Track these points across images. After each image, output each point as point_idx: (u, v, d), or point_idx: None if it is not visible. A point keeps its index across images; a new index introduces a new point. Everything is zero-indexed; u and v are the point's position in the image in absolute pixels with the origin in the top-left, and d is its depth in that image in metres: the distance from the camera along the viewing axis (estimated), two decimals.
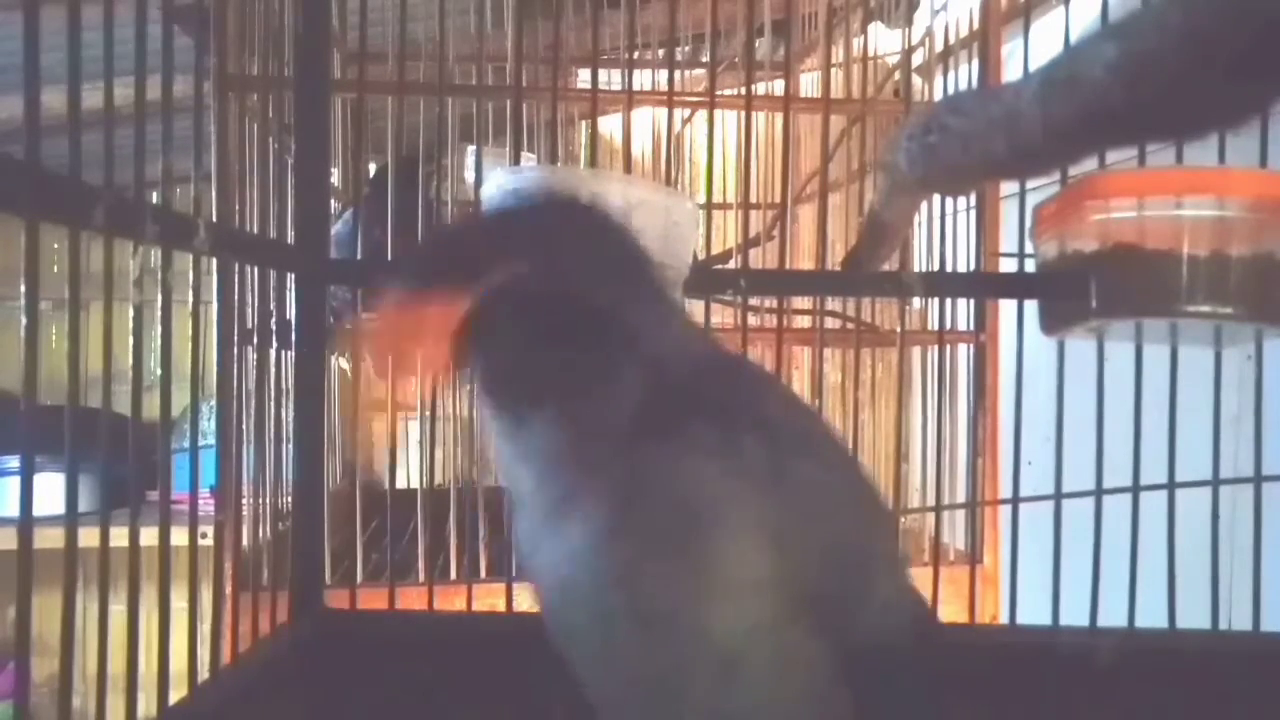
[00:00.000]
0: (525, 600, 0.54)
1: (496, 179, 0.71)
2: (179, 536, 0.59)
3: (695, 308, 0.80)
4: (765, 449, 0.47)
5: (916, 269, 1.16)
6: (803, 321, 1.28)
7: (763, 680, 0.47)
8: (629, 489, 0.45)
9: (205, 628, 0.63)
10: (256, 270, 0.78)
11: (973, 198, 1.14)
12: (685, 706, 0.47)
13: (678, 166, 1.68)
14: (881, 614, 0.52)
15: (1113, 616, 0.75)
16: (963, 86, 1.26)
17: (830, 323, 1.18)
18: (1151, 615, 0.76)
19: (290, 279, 0.78)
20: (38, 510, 0.44)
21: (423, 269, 0.47)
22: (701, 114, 1.41)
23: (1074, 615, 0.76)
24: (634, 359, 0.48)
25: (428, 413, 0.93)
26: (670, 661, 0.46)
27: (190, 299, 0.62)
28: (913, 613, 0.55)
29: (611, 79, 1.46)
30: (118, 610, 0.48)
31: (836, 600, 0.49)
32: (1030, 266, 0.77)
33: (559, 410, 0.47)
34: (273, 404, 0.82)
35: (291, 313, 0.78)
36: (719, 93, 1.12)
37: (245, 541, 0.82)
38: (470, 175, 1.20)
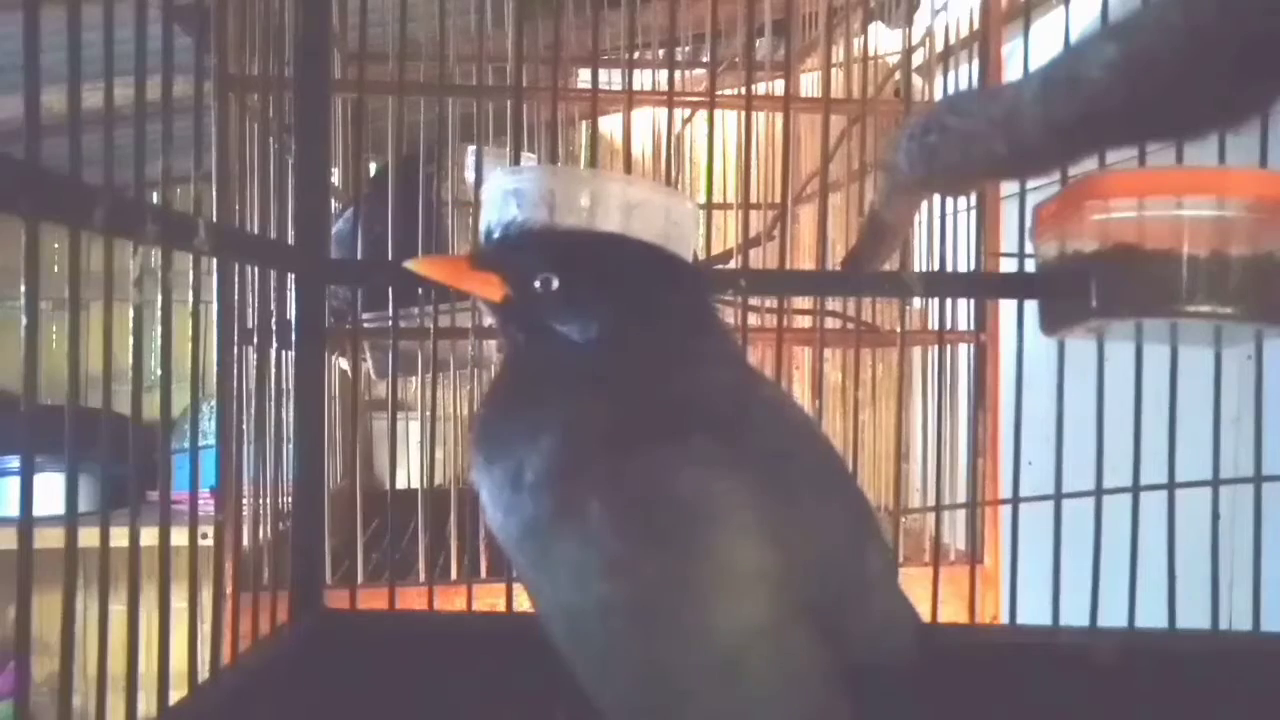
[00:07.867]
0: (525, 600, 0.54)
1: (496, 179, 0.71)
2: (179, 536, 0.59)
3: None
4: (764, 460, 0.48)
5: (916, 269, 1.16)
6: (803, 321, 1.28)
7: (764, 681, 0.47)
8: (627, 493, 0.45)
9: (205, 628, 0.63)
10: (256, 270, 0.78)
11: (973, 198, 1.14)
12: (688, 707, 0.47)
13: (678, 166, 1.68)
14: (879, 630, 0.52)
15: (1113, 616, 0.75)
16: (963, 86, 1.26)
17: (830, 323, 1.18)
18: (1151, 615, 0.76)
19: (290, 279, 0.78)
20: (38, 510, 0.44)
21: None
22: (701, 114, 1.41)
23: (1074, 615, 0.75)
24: (637, 365, 0.48)
25: (428, 412, 0.93)
26: (672, 664, 0.46)
27: (190, 299, 0.62)
28: (911, 630, 0.56)
29: (611, 79, 1.46)
30: (118, 610, 0.48)
31: (832, 611, 0.49)
32: (1030, 266, 0.77)
33: (558, 409, 0.47)
34: (273, 404, 0.82)
35: (291, 313, 0.78)
36: (719, 93, 1.12)
37: (245, 541, 0.82)
38: (470, 175, 1.20)
